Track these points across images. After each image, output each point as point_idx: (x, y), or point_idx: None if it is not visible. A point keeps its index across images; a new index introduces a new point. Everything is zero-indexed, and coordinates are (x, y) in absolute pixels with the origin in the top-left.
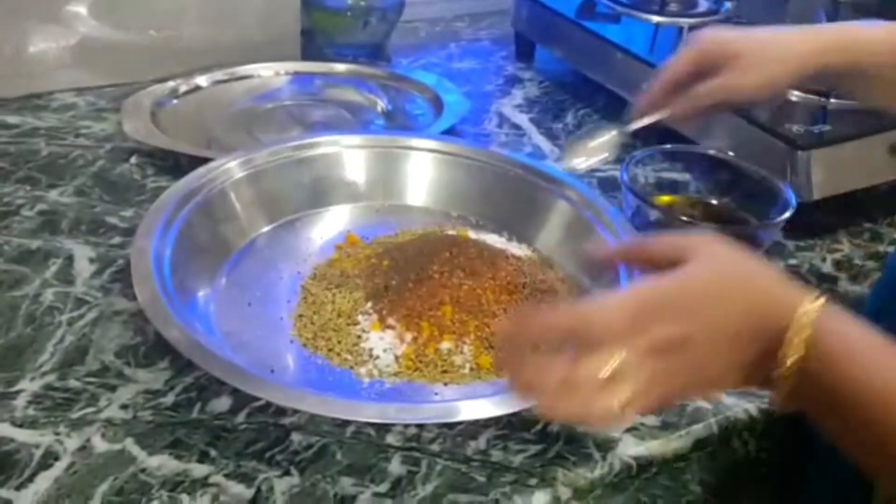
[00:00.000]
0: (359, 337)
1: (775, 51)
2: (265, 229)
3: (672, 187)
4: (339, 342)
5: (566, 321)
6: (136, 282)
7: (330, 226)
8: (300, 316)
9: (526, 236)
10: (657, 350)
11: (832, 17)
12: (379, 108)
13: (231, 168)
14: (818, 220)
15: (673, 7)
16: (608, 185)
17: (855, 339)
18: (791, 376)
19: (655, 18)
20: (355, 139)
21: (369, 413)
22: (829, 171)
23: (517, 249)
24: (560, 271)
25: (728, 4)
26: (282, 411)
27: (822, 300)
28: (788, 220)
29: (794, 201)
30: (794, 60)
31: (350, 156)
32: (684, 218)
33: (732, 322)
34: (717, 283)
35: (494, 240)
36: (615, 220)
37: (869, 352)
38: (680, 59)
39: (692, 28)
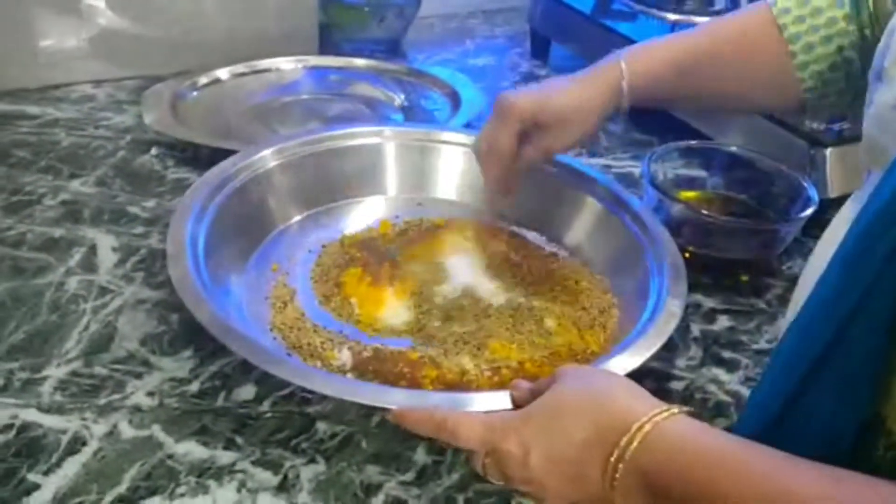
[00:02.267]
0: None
1: (578, 108)
2: (296, 218)
3: (690, 183)
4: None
5: (439, 418)
6: (171, 267)
7: (361, 217)
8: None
9: (550, 229)
10: (500, 462)
11: None
12: (396, 104)
13: (265, 157)
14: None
15: (689, 5)
16: (626, 181)
17: (700, 436)
18: (620, 475)
19: (672, 16)
20: (388, 131)
21: (398, 399)
22: (848, 169)
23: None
24: (587, 265)
25: (744, 2)
26: (307, 400)
27: (673, 411)
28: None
29: (816, 198)
30: (596, 109)
31: (383, 148)
32: (705, 212)
33: (574, 441)
34: (560, 403)
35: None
36: (642, 213)
37: (703, 442)
38: (498, 132)
39: None
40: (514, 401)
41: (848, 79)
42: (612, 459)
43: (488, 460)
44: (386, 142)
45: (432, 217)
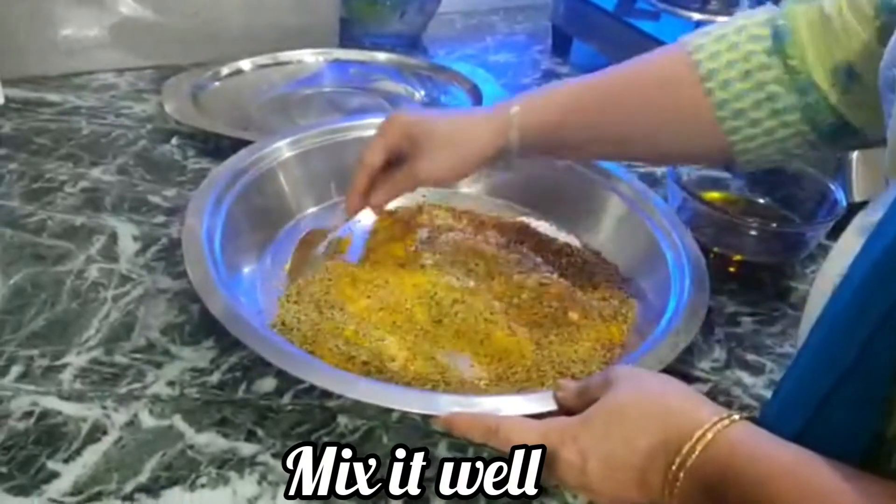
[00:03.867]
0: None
1: (458, 138)
2: (312, 210)
3: (715, 184)
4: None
5: (491, 424)
6: (187, 259)
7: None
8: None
9: (575, 227)
10: (556, 469)
11: None
12: (417, 98)
13: (280, 148)
14: None
15: (714, 5)
16: (648, 180)
17: (760, 445)
18: (681, 483)
19: (696, 16)
20: None
21: (416, 402)
22: (872, 173)
23: (565, 238)
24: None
25: (769, 3)
26: (328, 394)
27: (734, 418)
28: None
29: (844, 202)
30: (476, 146)
31: None
32: (730, 212)
33: (636, 449)
34: (620, 410)
35: (545, 228)
36: (665, 214)
37: (769, 453)
38: (373, 150)
39: None
40: (558, 402)
41: (775, 116)
42: (674, 468)
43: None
44: None
45: (434, 205)
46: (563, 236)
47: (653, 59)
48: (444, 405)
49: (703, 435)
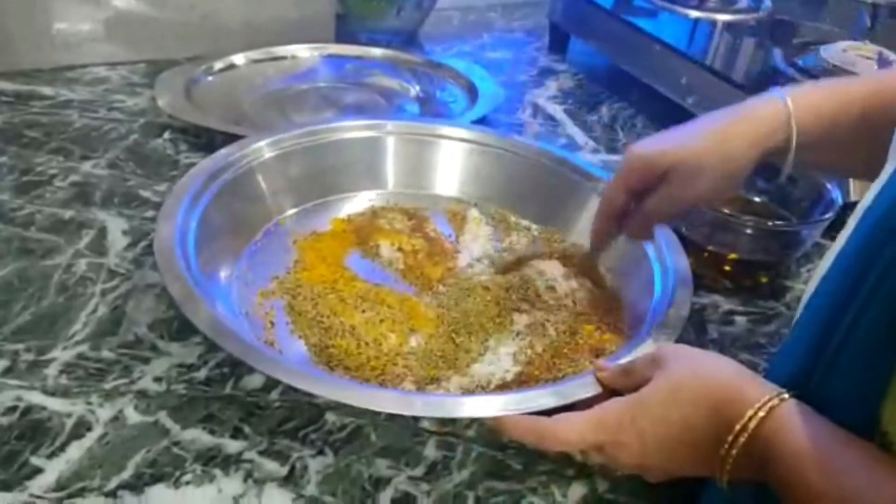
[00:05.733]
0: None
1: (710, 156)
2: (291, 212)
3: None
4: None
5: (542, 427)
6: (159, 260)
7: (356, 211)
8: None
9: (556, 228)
10: (613, 453)
11: (874, 19)
12: (412, 94)
13: (260, 148)
14: None
15: (712, 3)
16: None
17: (807, 425)
18: (733, 459)
19: (694, 13)
20: (386, 125)
21: (395, 404)
22: None
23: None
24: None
25: (767, 2)
26: None
27: (784, 396)
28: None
29: (839, 201)
30: (735, 158)
31: (380, 142)
32: (726, 211)
33: (693, 428)
34: (676, 390)
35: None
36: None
37: (816, 433)
38: (615, 186)
39: (729, 24)
40: (602, 382)
41: None
42: (727, 446)
43: (591, 450)
44: (384, 135)
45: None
46: (536, 232)
47: None
48: (420, 407)
49: (755, 414)
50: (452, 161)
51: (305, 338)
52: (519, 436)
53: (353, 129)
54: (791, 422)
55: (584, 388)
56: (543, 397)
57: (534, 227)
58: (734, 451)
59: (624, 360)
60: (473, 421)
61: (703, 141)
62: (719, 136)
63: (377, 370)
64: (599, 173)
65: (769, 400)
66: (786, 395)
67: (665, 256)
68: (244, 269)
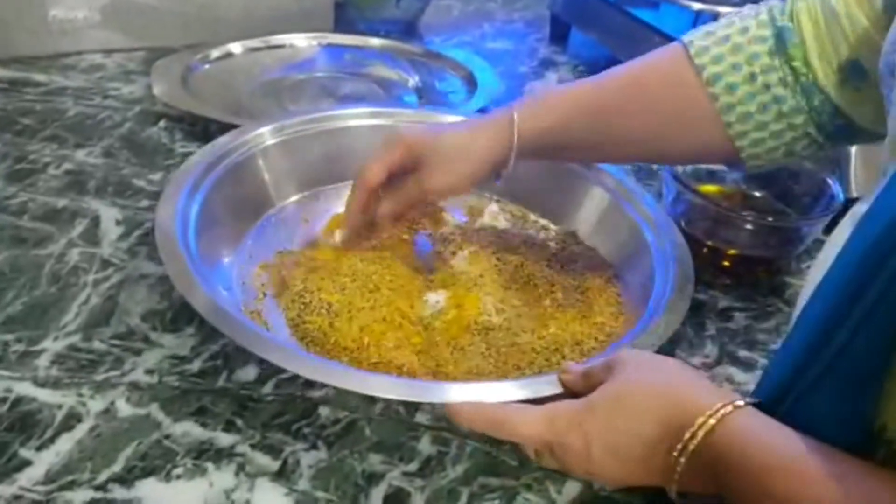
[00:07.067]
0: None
1: (462, 151)
2: (293, 198)
3: (711, 177)
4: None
5: (498, 415)
6: (160, 244)
7: None
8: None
9: (558, 218)
10: (561, 454)
11: None
12: (410, 84)
13: (262, 134)
14: None
15: None
16: (644, 173)
17: (764, 432)
18: (681, 468)
19: (696, 5)
20: (388, 113)
21: (399, 391)
22: (872, 168)
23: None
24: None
25: None
26: (310, 384)
27: (737, 404)
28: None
29: (841, 197)
30: (479, 155)
31: (382, 130)
32: (725, 206)
33: (640, 436)
34: (623, 397)
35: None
36: (647, 203)
37: (773, 441)
38: (373, 168)
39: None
40: (564, 385)
41: (781, 118)
42: (675, 454)
43: (542, 449)
44: (378, 124)
45: None
46: (540, 221)
47: (655, 62)
48: (422, 392)
49: (705, 422)
50: None
51: (287, 311)
52: (473, 423)
53: (355, 117)
54: (745, 429)
55: (553, 385)
56: (512, 390)
57: (552, 227)
58: (682, 459)
59: (585, 366)
60: (433, 406)
61: (454, 138)
62: (467, 138)
63: (350, 352)
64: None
65: (722, 407)
66: (740, 403)
67: (665, 245)
68: (250, 245)
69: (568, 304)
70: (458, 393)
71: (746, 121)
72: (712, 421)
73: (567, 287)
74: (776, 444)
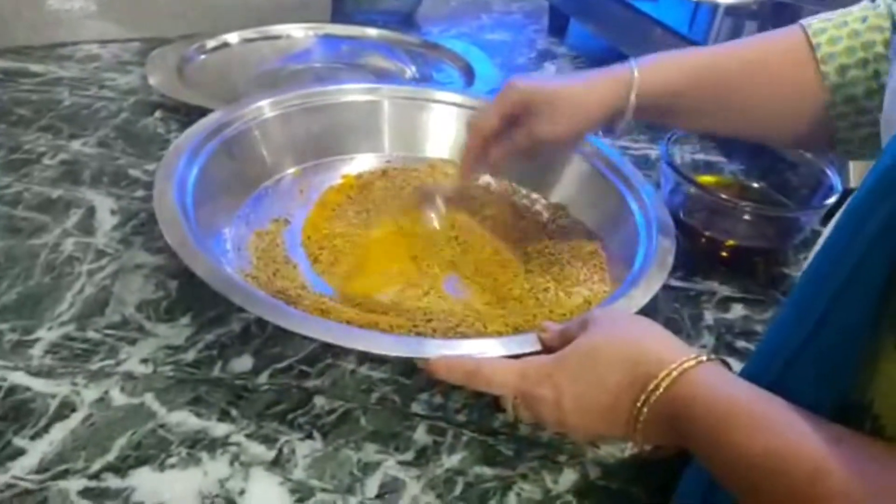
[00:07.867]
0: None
1: (576, 100)
2: (290, 171)
3: (709, 168)
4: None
5: (472, 366)
6: (159, 215)
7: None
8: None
9: (538, 185)
10: (533, 405)
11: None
12: (407, 75)
13: (261, 107)
14: None
15: None
16: (642, 163)
17: (726, 385)
18: (644, 419)
19: None
20: (385, 89)
21: (382, 345)
22: (869, 160)
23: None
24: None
25: None
26: (305, 373)
27: (701, 359)
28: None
29: (839, 187)
30: (595, 106)
31: (379, 105)
32: (723, 196)
33: (606, 387)
34: (593, 350)
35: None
36: (629, 172)
37: (735, 393)
38: (488, 115)
39: (731, 8)
40: (542, 342)
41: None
42: (639, 404)
43: (518, 401)
44: (382, 99)
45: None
46: (524, 190)
47: (775, 41)
48: (430, 349)
49: (669, 374)
50: (447, 125)
51: (259, 271)
52: (447, 376)
53: (353, 93)
54: (707, 382)
55: (532, 343)
56: (493, 347)
57: (542, 200)
58: (645, 410)
59: (562, 325)
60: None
61: (569, 90)
62: (581, 90)
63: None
64: (596, 142)
65: (685, 361)
66: (703, 358)
67: (650, 212)
68: (247, 213)
69: (554, 271)
70: (439, 349)
71: (851, 103)
72: (675, 373)
73: (555, 254)
74: (738, 395)
